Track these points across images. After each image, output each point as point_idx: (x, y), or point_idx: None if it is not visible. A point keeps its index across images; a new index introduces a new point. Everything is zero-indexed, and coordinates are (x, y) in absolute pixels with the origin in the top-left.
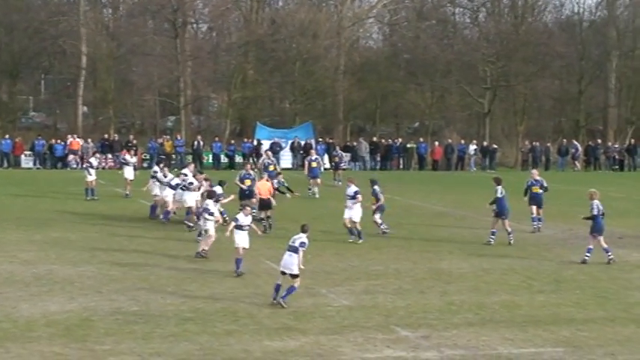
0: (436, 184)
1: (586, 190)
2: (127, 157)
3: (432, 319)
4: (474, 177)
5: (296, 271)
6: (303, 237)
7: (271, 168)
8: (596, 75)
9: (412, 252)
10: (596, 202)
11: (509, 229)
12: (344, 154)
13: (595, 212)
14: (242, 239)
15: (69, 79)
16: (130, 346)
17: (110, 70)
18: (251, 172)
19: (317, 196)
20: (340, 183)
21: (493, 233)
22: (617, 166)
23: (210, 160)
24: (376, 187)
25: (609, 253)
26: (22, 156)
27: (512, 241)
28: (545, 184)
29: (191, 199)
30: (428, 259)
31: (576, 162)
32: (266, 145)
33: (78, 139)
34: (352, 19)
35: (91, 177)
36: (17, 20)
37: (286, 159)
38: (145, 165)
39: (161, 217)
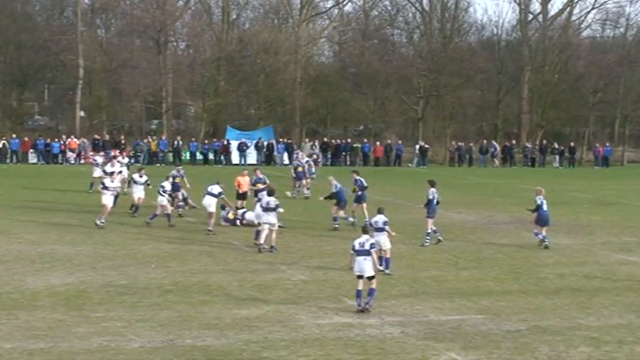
0: (377, 178)
1: (503, 183)
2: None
3: None
4: (409, 172)
5: (372, 273)
6: (369, 238)
7: (300, 169)
8: (512, 86)
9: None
10: (540, 197)
11: (435, 228)
12: (319, 153)
13: (540, 204)
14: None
15: (68, 88)
16: (119, 314)
17: (103, 80)
18: (261, 176)
19: (307, 192)
20: (315, 175)
21: (429, 234)
22: (530, 163)
23: (188, 157)
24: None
25: (545, 241)
26: (29, 153)
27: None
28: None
29: (213, 204)
30: None
31: (495, 159)
32: (234, 144)
33: (75, 139)
34: (307, 38)
35: (97, 173)
36: (25, 38)
37: (252, 156)
38: (133, 161)
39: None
